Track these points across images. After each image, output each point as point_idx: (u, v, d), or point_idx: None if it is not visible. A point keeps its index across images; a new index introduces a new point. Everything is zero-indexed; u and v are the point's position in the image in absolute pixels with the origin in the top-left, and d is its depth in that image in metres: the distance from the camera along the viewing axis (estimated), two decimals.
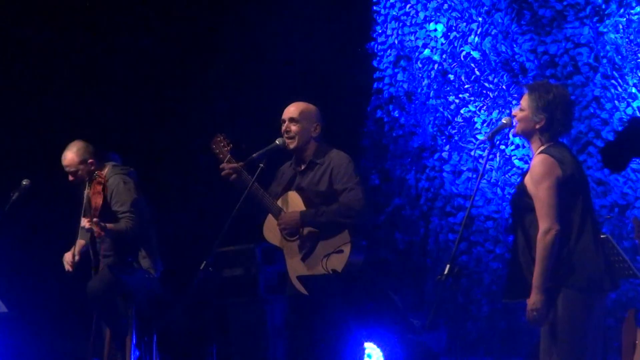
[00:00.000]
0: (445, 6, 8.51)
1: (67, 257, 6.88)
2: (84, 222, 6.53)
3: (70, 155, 6.88)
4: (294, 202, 5.82)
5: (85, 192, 6.73)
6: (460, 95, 8.44)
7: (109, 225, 6.50)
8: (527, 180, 4.82)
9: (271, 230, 5.90)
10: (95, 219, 6.39)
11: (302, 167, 5.90)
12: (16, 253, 8.54)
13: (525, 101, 4.88)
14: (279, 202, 5.85)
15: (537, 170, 4.78)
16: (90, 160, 6.85)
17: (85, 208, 6.68)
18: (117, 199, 6.72)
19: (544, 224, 4.70)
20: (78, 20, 9.23)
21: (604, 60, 7.77)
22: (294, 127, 5.86)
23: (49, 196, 8.43)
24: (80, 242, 6.92)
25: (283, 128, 5.89)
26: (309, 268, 5.71)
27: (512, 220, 4.98)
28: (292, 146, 5.86)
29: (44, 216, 8.65)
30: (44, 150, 8.99)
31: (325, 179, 5.82)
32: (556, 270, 4.71)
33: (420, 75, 8.67)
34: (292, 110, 5.90)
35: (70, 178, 6.87)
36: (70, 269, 6.82)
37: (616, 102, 7.71)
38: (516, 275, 4.85)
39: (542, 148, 4.84)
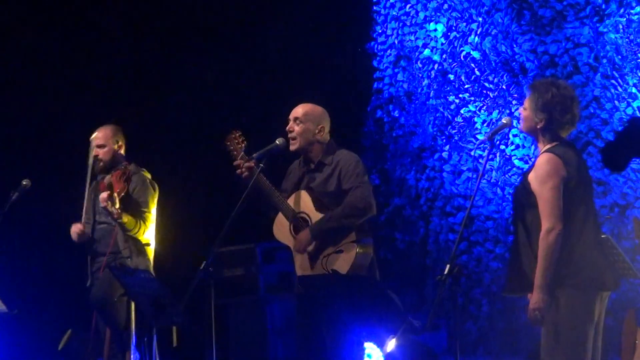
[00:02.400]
0: (445, 6, 8.51)
1: (77, 228, 6.87)
2: (104, 196, 6.55)
3: (105, 130, 6.91)
4: (304, 202, 5.83)
5: (107, 178, 6.75)
6: (460, 95, 8.44)
7: (124, 214, 6.56)
8: (531, 177, 4.82)
9: (280, 230, 5.89)
10: (116, 202, 6.44)
11: (311, 167, 5.90)
12: (16, 253, 8.55)
13: (527, 101, 4.91)
14: (290, 201, 5.86)
15: (543, 169, 4.78)
16: (120, 144, 6.89)
17: (102, 191, 6.68)
18: (138, 195, 6.76)
19: (547, 223, 4.70)
20: (80, 19, 9.24)
21: (604, 60, 7.77)
22: (296, 128, 5.86)
23: (49, 196, 8.42)
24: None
25: (287, 127, 5.91)
26: (315, 267, 5.71)
27: (513, 216, 4.98)
28: (293, 148, 5.87)
29: (44, 216, 8.65)
30: (44, 150, 9.00)
31: (333, 179, 5.82)
32: (557, 269, 4.71)
33: (420, 75, 8.68)
34: (297, 110, 5.91)
35: (95, 152, 6.86)
36: (77, 239, 6.82)
37: (616, 102, 7.71)
38: (516, 270, 4.86)
39: (547, 147, 4.85)
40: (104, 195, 6.57)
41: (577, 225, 4.76)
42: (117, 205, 6.50)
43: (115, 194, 6.53)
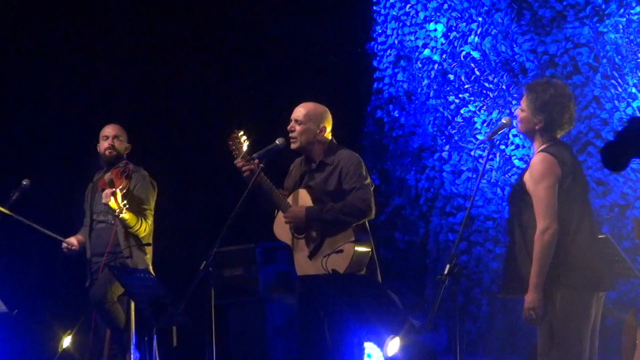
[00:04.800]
0: (445, 6, 8.51)
1: (71, 241, 6.93)
2: (107, 192, 6.56)
3: (118, 126, 7.00)
4: (303, 200, 5.84)
5: (107, 175, 6.78)
6: (460, 95, 8.44)
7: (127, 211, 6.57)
8: (527, 177, 4.83)
9: (281, 228, 5.91)
10: (119, 198, 6.46)
11: (313, 167, 5.91)
12: (16, 253, 8.54)
13: (524, 102, 4.90)
14: (289, 199, 5.87)
15: (537, 168, 4.78)
16: (129, 144, 6.99)
17: (103, 188, 6.72)
18: (139, 192, 6.77)
19: (542, 223, 4.70)
20: (80, 18, 9.23)
21: (604, 60, 7.77)
22: (297, 128, 5.88)
23: (49, 196, 8.42)
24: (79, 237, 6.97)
25: (288, 127, 5.92)
26: (314, 266, 5.72)
27: (509, 216, 4.98)
28: (294, 146, 5.89)
29: (44, 216, 8.64)
30: (44, 150, 9.00)
31: (334, 178, 5.83)
32: (553, 269, 4.71)
33: (420, 75, 8.67)
34: (298, 110, 5.93)
35: (108, 143, 6.92)
36: (67, 249, 6.88)
37: (616, 102, 7.71)
38: (512, 271, 4.86)
39: (542, 147, 4.85)
40: (107, 192, 6.57)
41: (573, 225, 4.76)
42: (121, 201, 6.50)
43: (118, 190, 6.53)
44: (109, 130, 6.97)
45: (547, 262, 4.68)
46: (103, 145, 6.94)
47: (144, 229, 6.73)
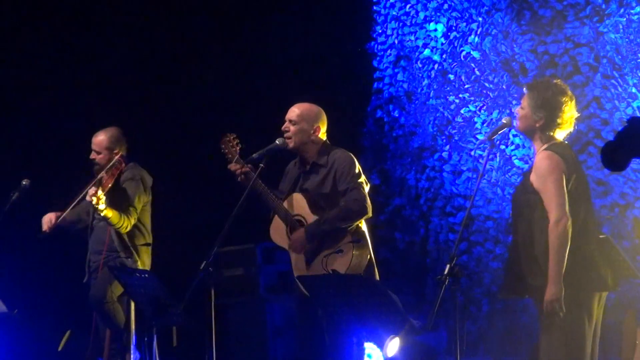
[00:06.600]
0: (445, 6, 8.51)
1: (49, 217, 6.87)
2: (91, 191, 6.54)
3: (102, 137, 6.94)
4: (299, 204, 5.83)
5: (101, 173, 6.77)
6: (460, 95, 8.44)
7: (109, 208, 6.52)
8: (533, 177, 4.80)
9: (277, 232, 5.90)
10: (100, 193, 6.42)
11: (307, 168, 5.91)
12: (16, 253, 8.54)
13: (525, 100, 4.90)
14: (285, 203, 5.86)
15: (544, 164, 4.77)
16: (116, 151, 6.91)
17: (94, 184, 6.70)
18: (127, 187, 6.76)
19: (555, 214, 4.68)
20: (80, 18, 9.24)
21: (604, 60, 7.76)
22: (292, 128, 5.89)
23: (49, 196, 8.42)
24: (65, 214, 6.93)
25: (283, 127, 5.93)
26: (312, 269, 5.72)
27: (513, 218, 4.96)
28: (290, 146, 5.89)
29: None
30: (44, 150, 9.00)
31: (329, 180, 5.82)
32: None
33: (420, 75, 8.67)
34: (292, 110, 5.93)
35: (92, 156, 6.90)
36: (47, 230, 6.81)
37: (616, 102, 7.71)
38: (514, 273, 4.85)
39: (546, 146, 4.84)
40: (91, 190, 6.57)
41: (577, 225, 4.75)
42: (102, 198, 6.45)
43: (100, 188, 6.51)
44: (93, 142, 6.94)
45: (565, 253, 4.65)
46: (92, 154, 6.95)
47: (126, 226, 6.70)
